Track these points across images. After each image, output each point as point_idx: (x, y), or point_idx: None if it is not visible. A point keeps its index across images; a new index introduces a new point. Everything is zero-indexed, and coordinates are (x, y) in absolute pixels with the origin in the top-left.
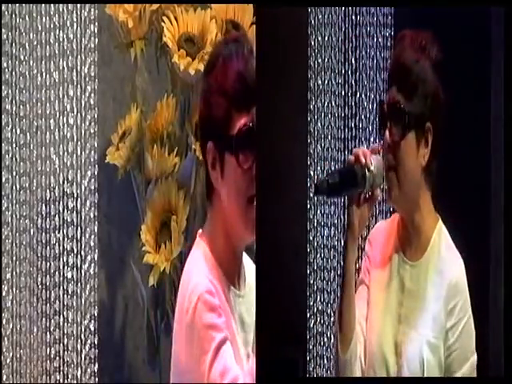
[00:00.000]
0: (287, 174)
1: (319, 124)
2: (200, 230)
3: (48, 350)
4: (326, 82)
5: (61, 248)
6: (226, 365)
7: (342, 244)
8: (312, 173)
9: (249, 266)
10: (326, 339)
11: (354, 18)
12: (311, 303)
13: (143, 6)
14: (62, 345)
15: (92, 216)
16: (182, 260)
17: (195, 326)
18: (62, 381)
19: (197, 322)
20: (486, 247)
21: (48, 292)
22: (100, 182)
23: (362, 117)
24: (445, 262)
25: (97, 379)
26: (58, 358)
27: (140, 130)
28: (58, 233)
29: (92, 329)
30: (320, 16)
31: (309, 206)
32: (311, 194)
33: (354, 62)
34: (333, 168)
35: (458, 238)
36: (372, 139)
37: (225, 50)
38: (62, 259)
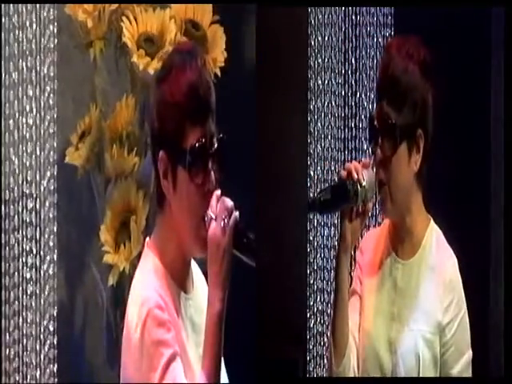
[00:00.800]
0: (287, 174)
1: (319, 124)
2: (148, 239)
3: (7, 350)
4: (326, 82)
5: (20, 248)
6: (175, 382)
7: (335, 258)
8: (312, 173)
9: (195, 267)
10: (325, 339)
11: (353, 18)
12: (311, 303)
13: (102, 5)
14: (21, 345)
15: (51, 216)
16: None
17: (144, 342)
18: (21, 381)
19: (146, 338)
20: (486, 247)
21: (7, 293)
22: (59, 182)
23: (362, 117)
24: (438, 259)
25: (56, 380)
26: (17, 358)
27: (99, 130)
28: (18, 233)
29: (51, 329)
30: (320, 16)
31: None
32: (311, 195)
33: (353, 62)
34: (333, 168)
35: (457, 238)
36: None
37: (178, 60)
38: (21, 260)
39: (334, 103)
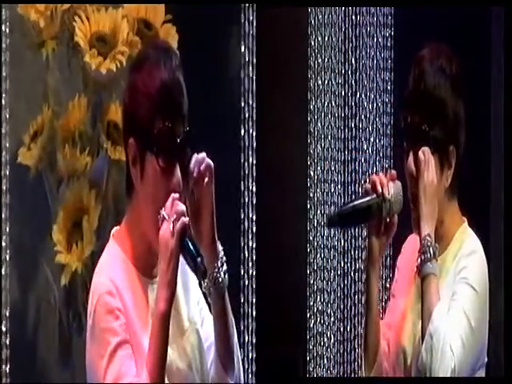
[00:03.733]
0: (287, 174)
1: (319, 124)
2: (114, 228)
3: None
4: (326, 82)
5: None
6: (119, 371)
7: (364, 271)
8: (312, 173)
9: None
10: (325, 339)
11: (354, 18)
12: (311, 303)
13: (55, 5)
14: None
15: (4, 216)
16: (93, 260)
17: (95, 329)
18: None
19: (96, 324)
20: (486, 247)
21: None
22: (11, 182)
23: (362, 117)
24: (460, 254)
25: (9, 380)
26: None
27: (52, 129)
28: None
29: (4, 329)
30: (320, 16)
31: (309, 206)
32: (311, 195)
33: (353, 62)
34: (333, 168)
35: None
36: (372, 139)
37: (153, 55)
38: None
39: (333, 103)
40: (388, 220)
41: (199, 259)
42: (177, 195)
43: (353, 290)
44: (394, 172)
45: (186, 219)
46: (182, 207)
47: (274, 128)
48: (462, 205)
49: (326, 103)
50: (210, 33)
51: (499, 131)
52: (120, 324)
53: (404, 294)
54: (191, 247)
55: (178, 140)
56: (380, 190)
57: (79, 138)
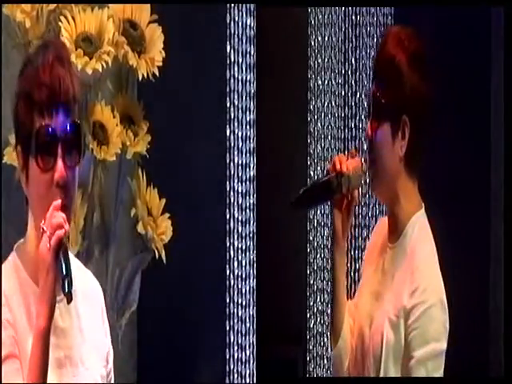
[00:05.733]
0: (287, 173)
1: (319, 124)
2: (19, 242)
3: None
4: (326, 82)
5: None
6: None
7: (329, 248)
8: (312, 173)
9: (80, 271)
10: (325, 339)
11: (353, 18)
12: (311, 303)
13: (40, 5)
14: None
15: None
16: (79, 260)
17: None
18: None
19: None
20: (486, 247)
21: None
22: None
23: (362, 117)
24: (412, 244)
25: None
26: None
27: None
28: None
29: None
30: (320, 16)
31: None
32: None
33: (353, 62)
34: None
35: (457, 237)
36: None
37: (31, 56)
38: None
39: (333, 103)
40: (349, 196)
41: (67, 280)
42: (58, 202)
43: (353, 290)
44: (353, 150)
45: (61, 232)
46: (58, 219)
47: (273, 128)
48: (462, 205)
49: (326, 103)
50: (196, 33)
51: (499, 131)
52: (8, 336)
53: (366, 270)
54: (62, 265)
55: (60, 135)
56: (339, 166)
57: None
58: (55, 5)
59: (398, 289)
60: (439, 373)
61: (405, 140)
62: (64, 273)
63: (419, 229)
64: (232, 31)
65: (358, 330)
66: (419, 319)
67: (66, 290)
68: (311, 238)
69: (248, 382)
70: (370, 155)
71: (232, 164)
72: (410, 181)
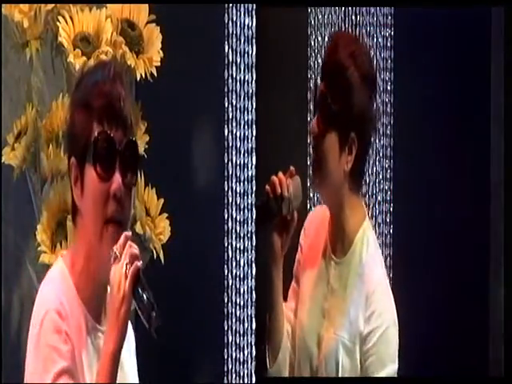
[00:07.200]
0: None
1: None
2: (64, 252)
3: None
4: None
5: None
6: None
7: (267, 268)
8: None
9: None
10: None
11: (353, 18)
12: None
13: (38, 5)
14: None
15: None
16: None
17: (41, 342)
18: None
19: (42, 338)
20: (486, 247)
21: None
22: None
23: None
24: (366, 268)
25: None
26: None
27: (35, 129)
28: None
29: None
30: (320, 16)
31: (309, 206)
32: (311, 195)
33: None
34: None
35: (457, 238)
36: (371, 139)
37: (91, 70)
38: None
39: None
40: (289, 217)
41: (153, 313)
42: (129, 233)
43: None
44: (292, 168)
45: (139, 264)
46: (135, 250)
47: (272, 128)
48: (462, 205)
49: None
50: (194, 33)
51: (499, 131)
52: (68, 350)
53: (307, 281)
54: (144, 297)
55: (119, 148)
56: (279, 190)
57: (63, 138)
58: (53, 5)
59: (353, 313)
60: None
61: (351, 156)
62: (149, 306)
63: (367, 245)
64: (230, 31)
65: (301, 344)
66: (376, 345)
67: (153, 324)
68: None
69: (246, 381)
70: (315, 165)
71: (230, 164)
72: (354, 193)
